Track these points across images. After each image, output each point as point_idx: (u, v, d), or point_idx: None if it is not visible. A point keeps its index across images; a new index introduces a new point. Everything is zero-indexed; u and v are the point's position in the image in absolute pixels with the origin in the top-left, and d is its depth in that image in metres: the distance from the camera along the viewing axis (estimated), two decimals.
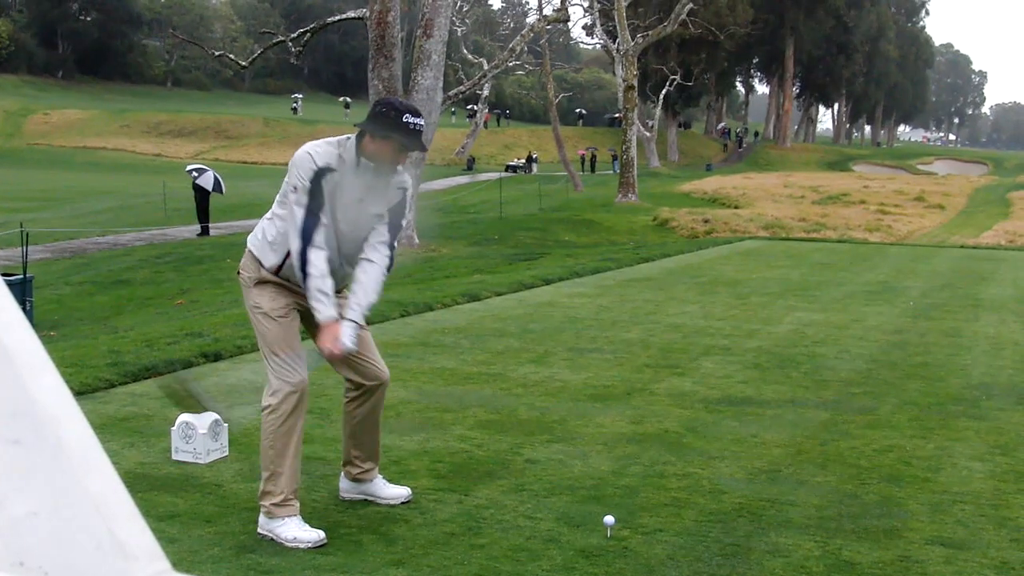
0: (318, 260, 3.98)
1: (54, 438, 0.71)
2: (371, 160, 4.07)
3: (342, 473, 4.51)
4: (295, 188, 4.03)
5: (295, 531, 3.95)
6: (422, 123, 4.09)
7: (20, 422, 0.70)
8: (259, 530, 4.03)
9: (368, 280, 4.13)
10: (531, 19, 62.88)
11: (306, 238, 3.98)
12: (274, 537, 3.96)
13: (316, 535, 3.95)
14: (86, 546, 0.70)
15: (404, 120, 4.02)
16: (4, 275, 13.51)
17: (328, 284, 4.00)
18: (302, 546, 3.90)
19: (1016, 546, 4.05)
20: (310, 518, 4.11)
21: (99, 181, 44.33)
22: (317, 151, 4.07)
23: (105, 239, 23.92)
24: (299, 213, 4.00)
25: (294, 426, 4.04)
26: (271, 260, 4.15)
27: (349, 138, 4.14)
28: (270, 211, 4.22)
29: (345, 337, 4.02)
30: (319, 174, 4.03)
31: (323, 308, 3.99)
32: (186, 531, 4.04)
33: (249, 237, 4.29)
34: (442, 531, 4.10)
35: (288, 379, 4.05)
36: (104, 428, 5.47)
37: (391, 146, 4.05)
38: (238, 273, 4.29)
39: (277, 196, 4.18)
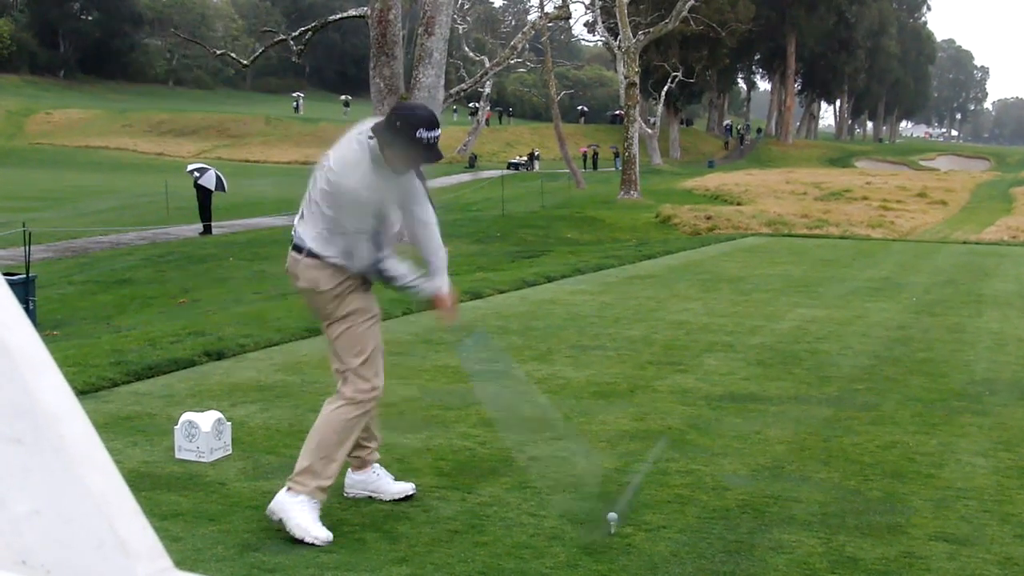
0: (392, 265, 4.17)
1: (56, 437, 0.71)
2: (388, 163, 4.08)
3: (348, 468, 4.51)
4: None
5: (312, 522, 3.97)
6: (438, 135, 4.08)
7: (22, 421, 0.70)
8: (272, 508, 4.02)
9: (429, 240, 4.29)
10: (532, 16, 62.81)
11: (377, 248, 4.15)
12: (285, 519, 3.95)
13: (326, 534, 3.96)
14: (88, 544, 0.70)
15: (417, 136, 4.00)
16: (7, 274, 13.52)
17: (409, 269, 4.24)
18: (309, 539, 3.90)
19: (1020, 542, 4.05)
20: None
21: (101, 180, 44.36)
22: (360, 176, 4.07)
23: (107, 238, 23.92)
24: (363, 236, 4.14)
25: (359, 423, 4.20)
26: (356, 267, 4.18)
27: (371, 138, 4.09)
28: (322, 224, 4.12)
29: (451, 298, 4.37)
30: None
31: (424, 284, 4.27)
32: (190, 530, 4.04)
33: (314, 248, 4.14)
34: (445, 528, 4.10)
35: (376, 382, 4.21)
36: (107, 427, 5.47)
37: (406, 157, 4.07)
38: (311, 290, 4.18)
39: (321, 208, 4.11)
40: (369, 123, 4.18)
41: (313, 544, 3.90)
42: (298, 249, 4.19)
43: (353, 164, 4.06)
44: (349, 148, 4.12)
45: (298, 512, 3.99)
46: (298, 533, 3.93)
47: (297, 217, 4.27)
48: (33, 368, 0.71)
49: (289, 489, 4.06)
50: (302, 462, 4.13)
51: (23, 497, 0.69)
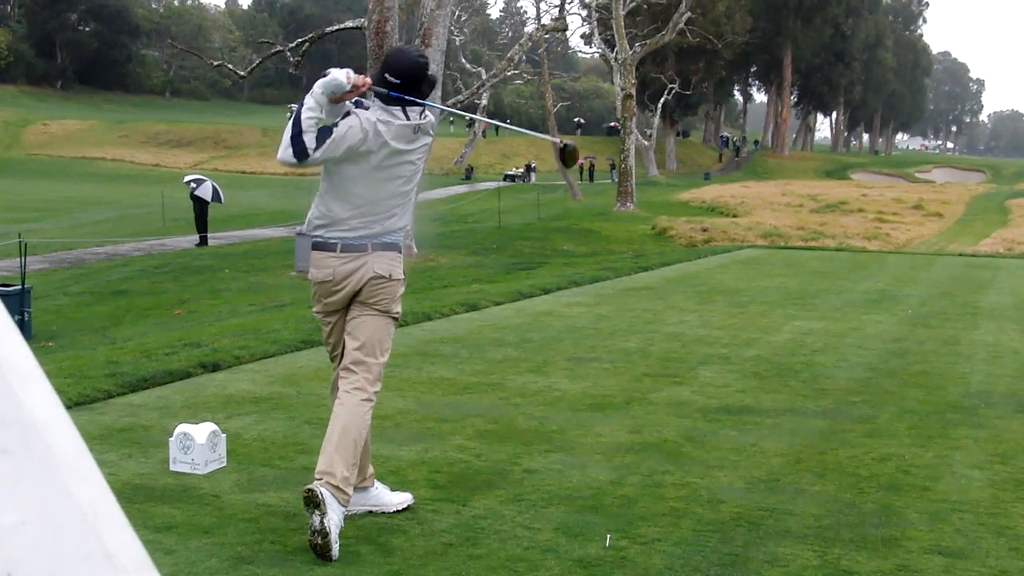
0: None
1: (43, 447, 0.71)
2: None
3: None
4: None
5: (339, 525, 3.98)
6: (424, 68, 4.28)
7: (8, 431, 0.70)
8: (324, 497, 3.92)
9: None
10: (529, 28, 62.87)
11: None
12: (330, 519, 3.89)
13: (338, 555, 3.93)
14: (74, 556, 0.69)
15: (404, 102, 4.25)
16: (2, 286, 13.51)
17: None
18: (334, 548, 3.87)
19: (1015, 555, 4.04)
20: (306, 529, 4.09)
21: (98, 191, 44.35)
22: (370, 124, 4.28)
23: (104, 249, 23.92)
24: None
25: None
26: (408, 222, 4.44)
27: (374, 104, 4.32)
28: (396, 213, 4.33)
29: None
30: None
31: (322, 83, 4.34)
32: (184, 542, 4.03)
33: (384, 240, 4.29)
34: (440, 541, 4.09)
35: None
36: (102, 439, 5.46)
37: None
38: (385, 277, 4.27)
39: (397, 199, 4.32)
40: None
41: (325, 555, 3.86)
42: (353, 248, 4.25)
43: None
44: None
45: (339, 520, 3.96)
46: (333, 537, 3.88)
47: (332, 226, 4.29)
48: (20, 377, 0.71)
49: (333, 495, 3.98)
50: (340, 469, 4.03)
51: (9, 508, 0.69)
